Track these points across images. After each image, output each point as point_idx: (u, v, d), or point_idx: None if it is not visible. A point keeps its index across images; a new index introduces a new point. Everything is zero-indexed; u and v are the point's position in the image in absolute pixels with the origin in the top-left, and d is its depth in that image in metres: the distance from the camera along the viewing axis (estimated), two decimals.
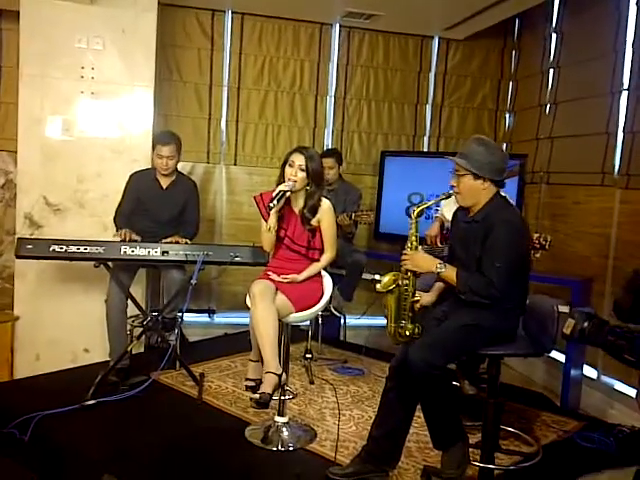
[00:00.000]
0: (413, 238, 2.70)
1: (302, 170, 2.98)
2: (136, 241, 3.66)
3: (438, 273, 2.59)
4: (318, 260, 3.12)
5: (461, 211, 2.77)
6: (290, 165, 3.00)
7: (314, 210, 3.05)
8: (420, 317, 2.69)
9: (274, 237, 3.07)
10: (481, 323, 2.51)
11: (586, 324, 2.25)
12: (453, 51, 5.43)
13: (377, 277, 2.67)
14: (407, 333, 2.64)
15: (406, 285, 2.66)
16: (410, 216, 2.71)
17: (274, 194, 2.95)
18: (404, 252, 2.67)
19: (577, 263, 4.21)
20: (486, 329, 2.52)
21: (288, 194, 2.98)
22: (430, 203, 2.82)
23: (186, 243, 3.71)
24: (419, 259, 2.64)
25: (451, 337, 2.51)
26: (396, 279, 2.66)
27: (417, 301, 2.68)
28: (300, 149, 3.05)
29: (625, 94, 3.95)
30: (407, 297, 2.66)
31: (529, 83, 5.15)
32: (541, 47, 4.91)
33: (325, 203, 3.08)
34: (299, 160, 2.98)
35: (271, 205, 2.92)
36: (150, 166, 4.03)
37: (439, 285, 2.78)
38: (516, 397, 3.67)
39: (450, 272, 2.56)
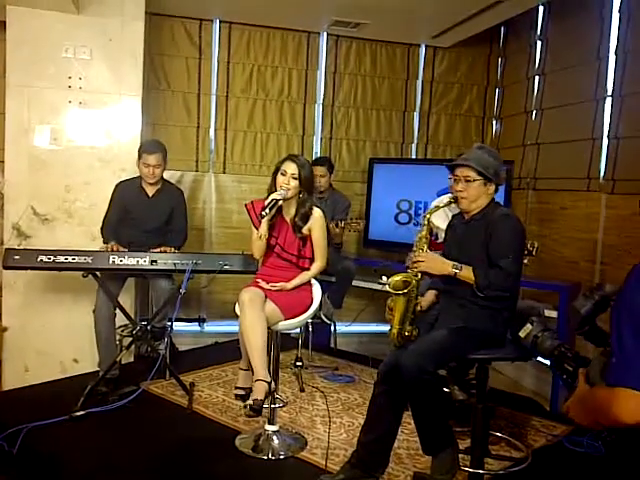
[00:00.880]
0: (424, 240, 2.70)
1: (294, 178, 2.99)
2: (124, 251, 3.65)
3: (455, 273, 2.56)
4: (308, 269, 3.12)
5: (457, 216, 2.81)
6: (282, 173, 3.00)
7: (306, 218, 3.06)
8: (418, 320, 2.71)
9: (265, 245, 3.07)
10: (471, 326, 2.54)
11: (540, 334, 2.28)
12: (440, 59, 5.47)
13: (384, 279, 2.66)
14: (406, 334, 2.65)
15: (415, 287, 2.65)
16: (423, 218, 2.75)
17: (266, 202, 2.95)
18: (416, 254, 2.67)
19: (564, 268, 4.25)
20: (476, 332, 2.55)
21: (280, 202, 2.98)
22: (442, 206, 2.82)
23: (174, 252, 3.71)
24: (436, 261, 2.63)
25: (442, 341, 2.52)
26: (406, 281, 2.62)
27: (418, 303, 2.70)
28: (292, 157, 3.06)
29: (609, 100, 4.00)
30: (412, 299, 2.66)
31: (515, 90, 5.19)
32: (526, 54, 4.96)
33: (317, 212, 3.08)
34: (291, 168, 2.99)
35: (263, 214, 2.93)
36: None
37: (432, 291, 2.83)
38: (506, 402, 3.69)
39: (466, 271, 2.54)
